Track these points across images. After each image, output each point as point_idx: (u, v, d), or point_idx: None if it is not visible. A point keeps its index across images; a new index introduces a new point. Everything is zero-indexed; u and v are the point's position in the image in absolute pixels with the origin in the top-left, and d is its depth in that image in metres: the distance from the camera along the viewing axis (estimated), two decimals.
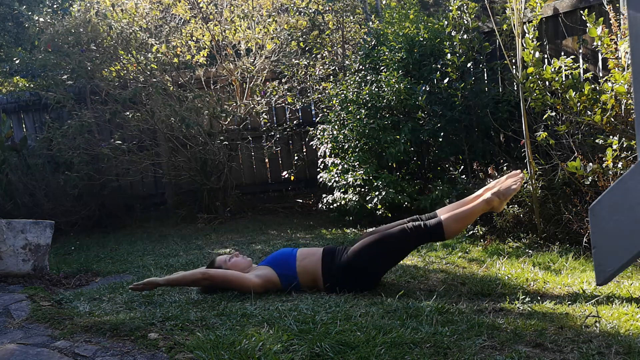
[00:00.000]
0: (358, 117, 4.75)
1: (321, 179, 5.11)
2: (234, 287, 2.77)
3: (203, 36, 5.97)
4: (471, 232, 3.96)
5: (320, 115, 5.67)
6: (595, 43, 3.41)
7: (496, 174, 3.92)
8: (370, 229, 3.35)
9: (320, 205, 5.21)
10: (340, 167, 4.94)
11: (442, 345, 1.89)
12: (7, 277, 3.36)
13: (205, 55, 6.09)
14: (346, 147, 4.93)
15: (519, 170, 2.89)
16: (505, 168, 4.03)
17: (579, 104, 3.38)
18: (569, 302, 2.45)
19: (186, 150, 5.98)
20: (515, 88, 4.23)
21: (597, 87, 3.40)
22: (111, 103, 5.87)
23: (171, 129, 5.92)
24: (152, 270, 3.66)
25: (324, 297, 2.64)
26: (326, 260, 2.80)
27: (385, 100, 4.68)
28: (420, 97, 4.38)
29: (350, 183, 4.75)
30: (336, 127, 5.01)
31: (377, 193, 4.50)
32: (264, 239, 4.64)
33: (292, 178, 6.41)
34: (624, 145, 3.23)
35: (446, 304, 2.41)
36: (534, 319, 2.20)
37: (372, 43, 5.17)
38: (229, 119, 6.12)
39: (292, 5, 6.12)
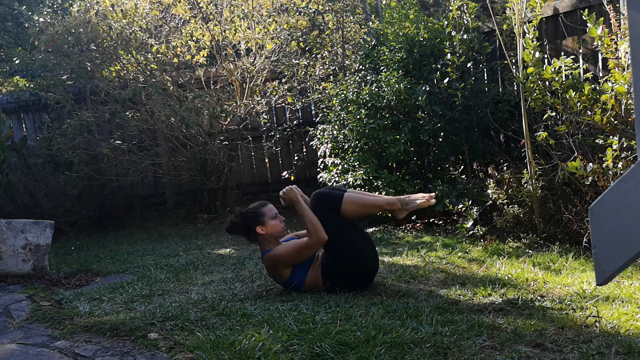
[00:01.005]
0: (358, 117, 4.75)
1: (321, 179, 5.10)
2: (283, 255, 2.78)
3: (203, 36, 5.97)
4: (471, 232, 3.96)
5: (320, 115, 5.67)
6: (595, 43, 3.41)
7: (496, 174, 3.92)
8: None
9: None
10: (340, 167, 4.94)
11: (442, 345, 1.89)
12: (7, 277, 3.37)
13: (205, 55, 6.08)
14: (346, 147, 4.93)
15: (433, 194, 2.93)
16: (505, 168, 4.03)
17: (579, 104, 3.38)
18: (569, 302, 2.45)
19: (186, 150, 5.98)
20: (515, 88, 4.24)
21: (597, 87, 3.40)
22: (111, 103, 5.87)
23: (171, 129, 5.92)
24: (152, 270, 3.67)
25: (324, 297, 2.64)
26: (325, 261, 2.82)
27: (385, 100, 4.68)
28: (420, 97, 4.37)
29: (350, 183, 4.75)
30: (336, 127, 5.01)
31: (377, 193, 4.50)
32: None
33: (292, 178, 6.40)
34: (624, 145, 3.23)
35: (446, 304, 2.41)
36: (534, 319, 2.20)
37: (372, 43, 5.17)
38: (229, 119, 6.12)
39: (292, 5, 6.12)
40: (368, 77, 4.93)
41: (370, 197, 3.02)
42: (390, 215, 2.98)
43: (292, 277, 2.80)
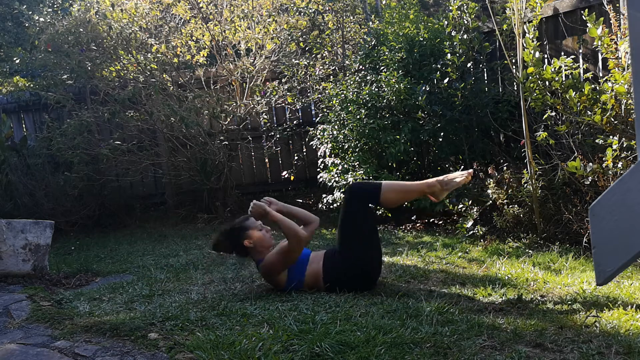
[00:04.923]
0: (358, 117, 4.75)
1: (321, 179, 5.11)
2: (274, 262, 2.78)
3: (203, 36, 5.97)
4: (471, 232, 3.96)
5: (320, 115, 5.67)
6: (595, 43, 3.41)
7: (496, 174, 3.92)
8: None
9: (320, 205, 5.21)
10: (340, 167, 4.94)
11: (442, 345, 1.89)
12: (7, 277, 3.36)
13: (205, 55, 6.08)
14: (346, 147, 4.93)
15: (471, 170, 2.91)
16: (505, 168, 4.03)
17: (579, 104, 3.38)
18: (569, 302, 2.45)
19: (186, 150, 5.98)
20: (515, 88, 4.24)
21: (597, 87, 3.40)
22: (111, 103, 5.87)
23: (171, 128, 5.92)
24: (152, 270, 3.66)
25: (324, 297, 2.64)
26: (326, 261, 2.83)
27: (385, 100, 4.68)
28: (420, 97, 4.37)
29: (350, 183, 4.75)
30: (336, 127, 5.01)
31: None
32: None
33: (292, 178, 6.41)
34: (624, 145, 3.23)
35: (446, 304, 2.41)
36: (534, 319, 2.20)
37: (372, 43, 5.17)
38: (229, 119, 6.12)
39: (292, 5, 6.11)
40: (368, 77, 4.93)
41: (408, 183, 3.01)
42: (430, 198, 2.95)
43: (290, 281, 2.81)
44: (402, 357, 1.82)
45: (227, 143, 5.97)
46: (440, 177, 2.88)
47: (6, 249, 3.35)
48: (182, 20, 6.06)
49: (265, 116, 6.34)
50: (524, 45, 3.57)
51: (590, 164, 3.30)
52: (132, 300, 2.82)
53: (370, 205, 2.90)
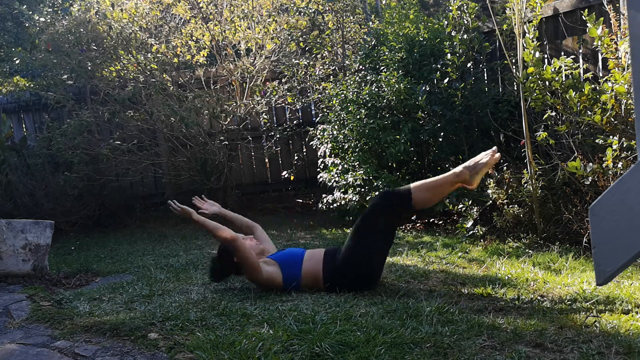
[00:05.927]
0: (358, 117, 4.75)
1: (321, 179, 5.11)
2: (246, 266, 2.79)
3: (203, 36, 5.97)
4: (471, 232, 3.96)
5: (320, 115, 5.67)
6: (595, 43, 3.41)
7: (496, 174, 3.92)
8: None
9: (320, 205, 5.21)
10: (340, 167, 4.94)
11: (442, 345, 1.89)
12: (7, 277, 3.36)
13: (205, 55, 6.08)
14: (346, 147, 4.93)
15: (495, 148, 2.82)
16: (505, 168, 4.03)
17: (579, 104, 3.37)
18: (569, 302, 2.45)
19: (186, 150, 5.98)
20: (515, 88, 4.24)
21: (597, 87, 3.40)
22: (111, 103, 5.87)
23: (171, 128, 5.92)
24: (152, 270, 3.66)
25: (324, 297, 2.64)
26: (327, 260, 2.82)
27: (385, 100, 4.68)
28: (420, 97, 4.37)
29: (350, 183, 4.75)
30: (336, 127, 5.01)
31: (377, 193, 4.50)
32: None
33: (292, 178, 6.41)
34: (624, 145, 3.23)
35: (446, 304, 2.41)
36: (534, 319, 2.20)
37: (372, 43, 5.17)
38: (229, 119, 6.12)
39: (292, 5, 6.12)
40: (368, 77, 4.92)
41: (436, 177, 2.86)
42: (464, 187, 2.82)
43: (286, 280, 2.81)
44: (402, 357, 1.82)
45: (227, 143, 5.97)
46: (466, 163, 2.78)
47: (6, 249, 3.35)
48: (182, 20, 6.05)
49: (265, 116, 6.34)
50: (524, 45, 3.57)
51: (590, 164, 3.30)
52: (132, 300, 2.82)
53: (401, 211, 2.83)
